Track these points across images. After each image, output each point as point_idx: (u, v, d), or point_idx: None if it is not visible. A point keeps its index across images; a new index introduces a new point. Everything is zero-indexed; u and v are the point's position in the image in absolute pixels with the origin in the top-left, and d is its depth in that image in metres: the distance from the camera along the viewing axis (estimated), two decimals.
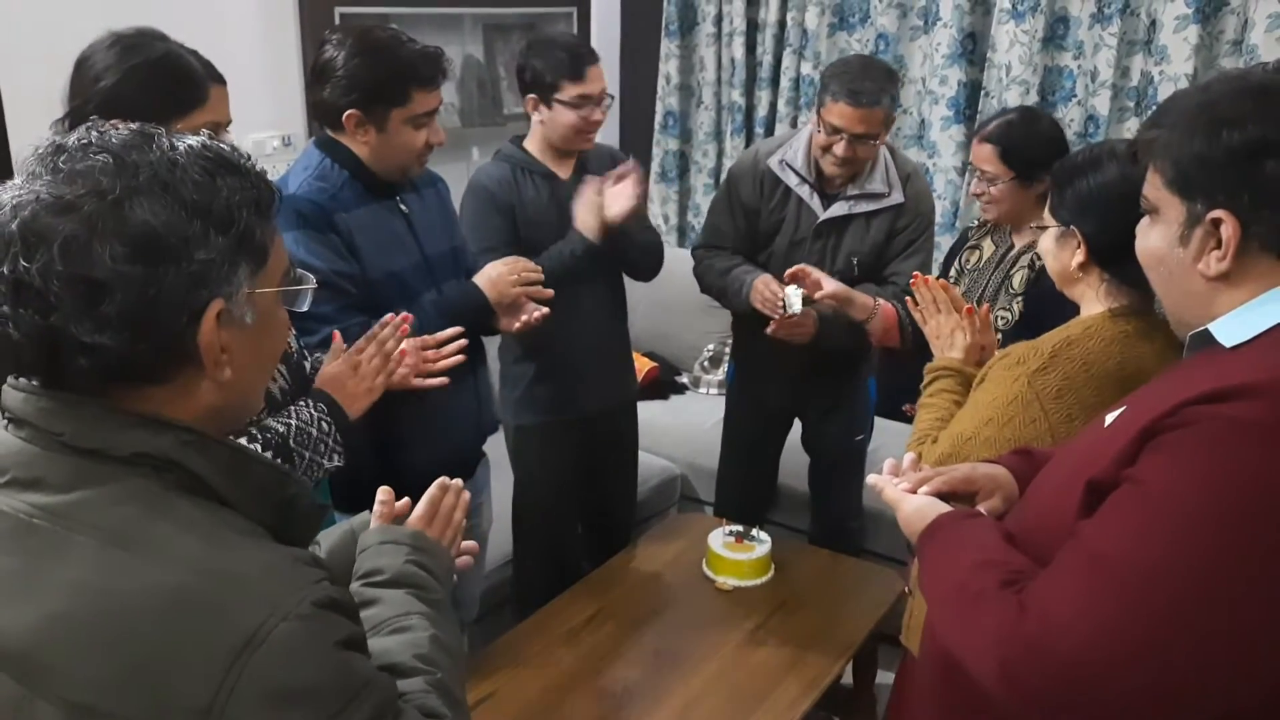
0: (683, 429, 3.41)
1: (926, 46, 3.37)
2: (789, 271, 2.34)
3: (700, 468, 3.31)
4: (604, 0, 3.87)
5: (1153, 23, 2.97)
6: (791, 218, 2.49)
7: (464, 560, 1.19)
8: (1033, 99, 3.16)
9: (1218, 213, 0.96)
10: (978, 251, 2.36)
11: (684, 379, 3.79)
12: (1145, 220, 1.06)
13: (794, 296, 2.31)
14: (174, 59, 1.55)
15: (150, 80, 1.51)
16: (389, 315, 1.73)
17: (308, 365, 1.71)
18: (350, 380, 1.66)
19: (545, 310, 2.09)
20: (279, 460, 1.48)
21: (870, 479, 1.32)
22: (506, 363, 2.51)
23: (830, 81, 2.33)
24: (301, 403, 1.59)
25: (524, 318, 2.07)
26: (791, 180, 2.47)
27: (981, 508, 1.23)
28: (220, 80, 1.59)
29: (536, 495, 2.59)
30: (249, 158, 0.85)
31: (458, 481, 1.21)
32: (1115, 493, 0.94)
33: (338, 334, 1.73)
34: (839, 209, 2.45)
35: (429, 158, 1.96)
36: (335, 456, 1.58)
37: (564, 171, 2.42)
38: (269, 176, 0.87)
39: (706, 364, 3.78)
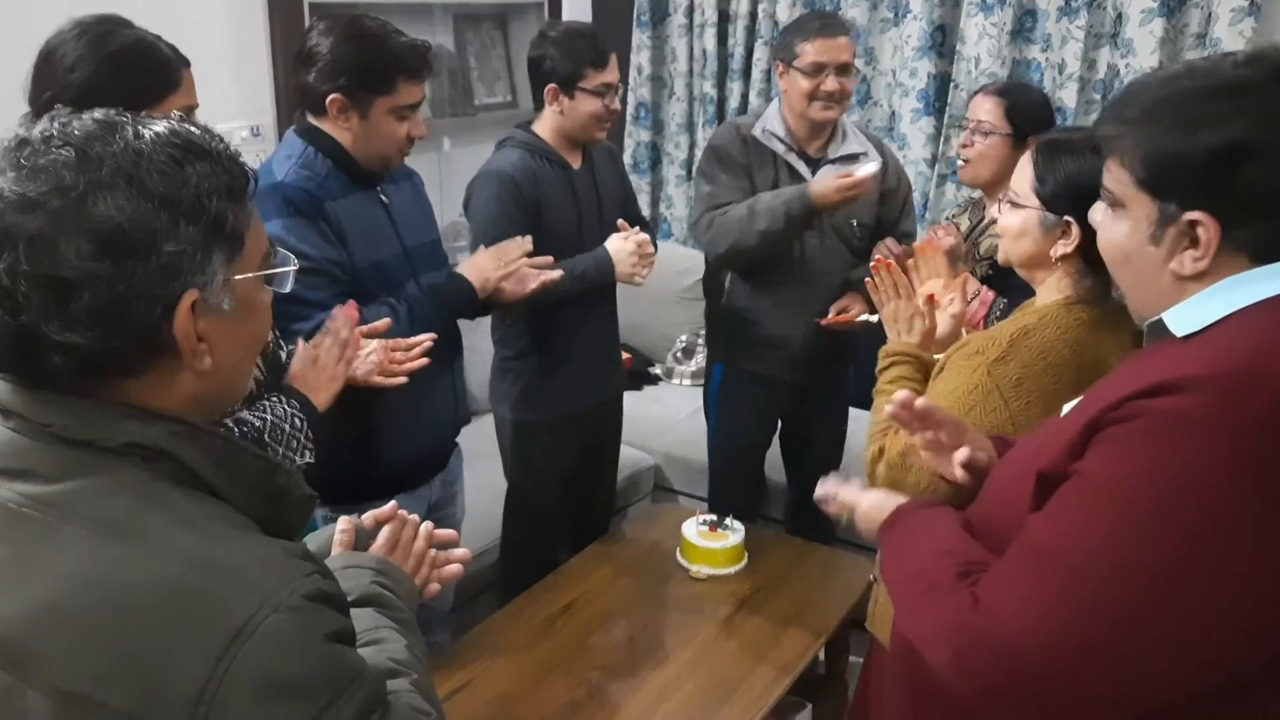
0: (656, 420, 3.43)
1: (896, 39, 3.39)
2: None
3: (674, 458, 3.33)
4: None
5: (1119, 16, 3.01)
6: (785, 186, 2.47)
7: (432, 588, 1.17)
8: None
9: (1196, 214, 0.94)
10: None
11: (657, 370, 3.80)
12: (1106, 212, 1.05)
13: (867, 165, 2.34)
14: (145, 45, 1.53)
15: (124, 69, 1.49)
16: (337, 307, 1.72)
17: (284, 355, 1.70)
18: (311, 373, 1.65)
19: (558, 274, 2.10)
20: None
21: (818, 493, 1.34)
22: (506, 357, 2.49)
23: (795, 32, 2.47)
24: (275, 398, 1.58)
25: (540, 280, 2.07)
26: (778, 147, 2.49)
27: (961, 463, 1.22)
28: (187, 64, 1.58)
29: (535, 490, 2.57)
30: (220, 140, 0.83)
31: (414, 516, 1.20)
32: (1063, 485, 0.96)
33: (352, 309, 1.72)
34: (829, 172, 2.44)
35: (410, 151, 1.95)
36: (307, 453, 1.58)
37: (574, 161, 2.42)
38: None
39: (680, 355, 3.79)
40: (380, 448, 1.88)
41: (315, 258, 1.79)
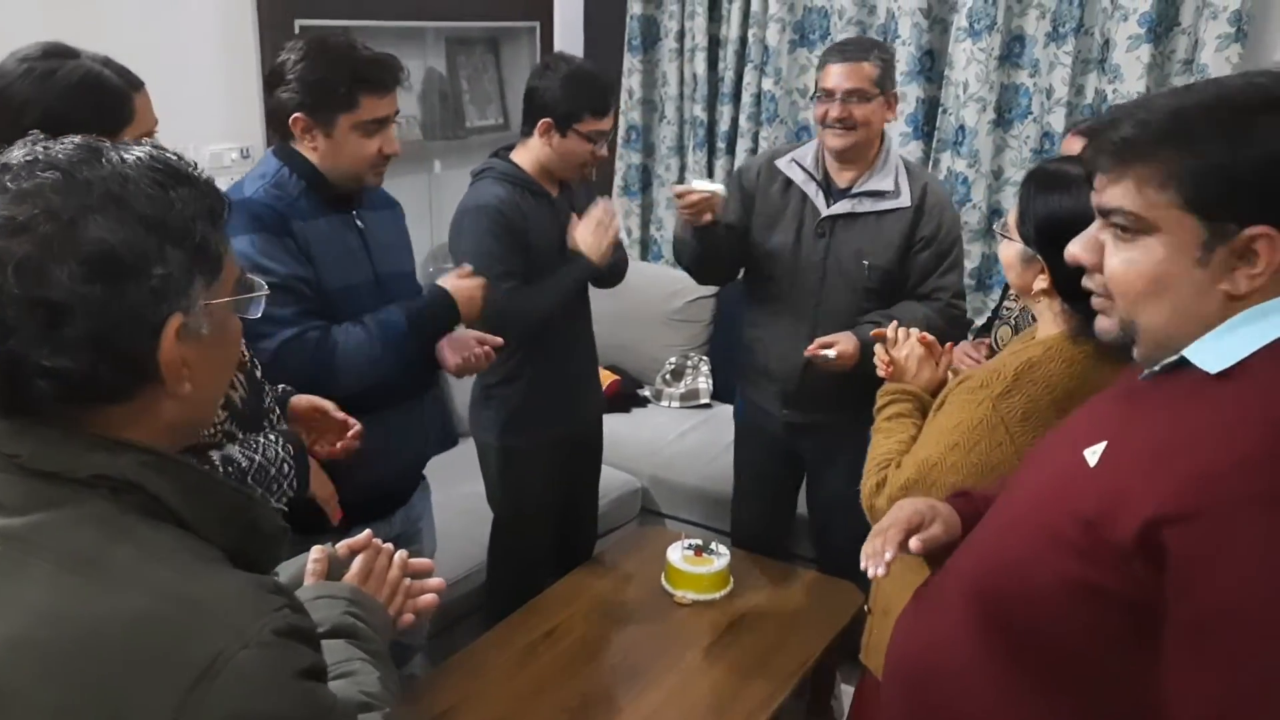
0: (645, 442, 3.41)
1: None
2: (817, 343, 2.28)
3: (662, 481, 3.31)
4: (567, 16, 3.88)
5: (1106, 42, 3.02)
6: (793, 214, 2.43)
7: (406, 618, 1.15)
8: (990, 116, 3.20)
9: (1257, 229, 0.90)
10: None
11: (646, 392, 3.79)
12: (1117, 243, 0.98)
13: (706, 183, 2.33)
14: (92, 80, 1.46)
15: (73, 109, 1.42)
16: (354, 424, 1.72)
17: (258, 372, 1.68)
18: (321, 420, 1.68)
19: (490, 351, 2.06)
20: None
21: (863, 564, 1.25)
22: (489, 384, 2.46)
23: (823, 56, 2.42)
24: (271, 437, 1.56)
25: (475, 354, 2.03)
26: (797, 176, 2.44)
27: (917, 540, 1.23)
28: (139, 85, 1.52)
29: (521, 517, 2.55)
30: (196, 166, 0.84)
31: (389, 545, 1.18)
32: (1189, 634, 0.89)
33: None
34: (843, 206, 2.40)
35: (385, 170, 1.93)
36: (284, 499, 1.56)
37: (552, 189, 2.42)
38: (223, 187, 0.86)
39: (669, 377, 3.78)
40: (340, 480, 1.77)
41: (280, 273, 1.77)
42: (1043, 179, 1.46)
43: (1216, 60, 2.81)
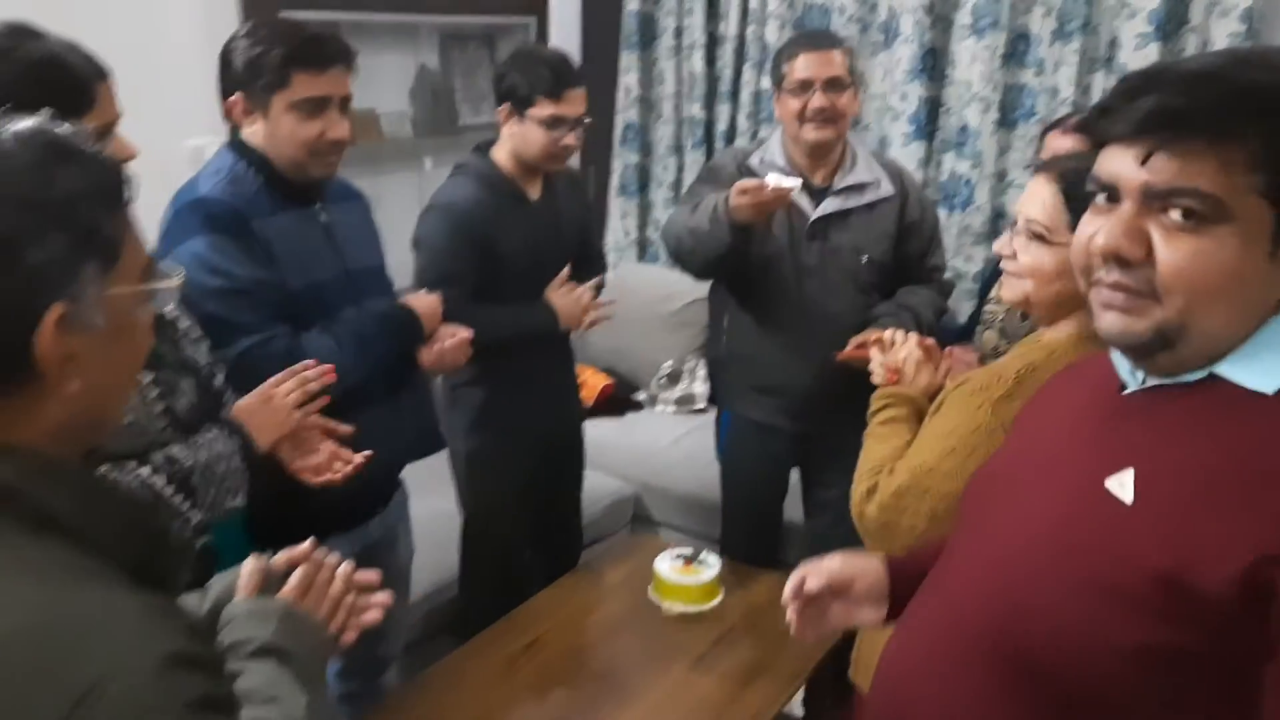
0: (637, 448, 3.33)
1: (887, 62, 3.33)
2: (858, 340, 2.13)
3: (654, 488, 3.23)
4: (563, 12, 3.81)
5: (1113, 40, 2.95)
6: (780, 219, 2.31)
7: (348, 636, 1.07)
8: (994, 115, 3.12)
9: None
10: None
11: (640, 396, 3.71)
12: (1196, 232, 0.84)
13: (780, 177, 2.14)
14: (53, 63, 1.38)
15: (29, 92, 1.30)
16: (313, 360, 1.63)
17: (218, 380, 1.60)
18: (262, 411, 1.55)
19: (464, 341, 2.00)
20: (180, 495, 1.38)
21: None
22: (455, 385, 2.41)
23: (782, 51, 2.33)
24: (214, 430, 1.48)
25: (446, 345, 1.98)
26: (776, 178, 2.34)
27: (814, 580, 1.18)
28: (104, 74, 1.43)
29: (491, 521, 2.48)
30: (91, 141, 0.76)
31: (333, 556, 1.09)
32: None
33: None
34: (831, 204, 2.31)
35: (338, 160, 1.82)
36: (240, 495, 1.48)
37: (534, 191, 2.34)
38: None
39: (664, 381, 3.70)
40: (311, 486, 1.67)
41: (240, 277, 1.69)
42: (1081, 172, 1.36)
43: None
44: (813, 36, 2.37)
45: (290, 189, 1.80)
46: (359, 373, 1.83)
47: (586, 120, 2.29)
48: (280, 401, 1.56)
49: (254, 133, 1.77)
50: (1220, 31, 2.74)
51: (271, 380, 1.58)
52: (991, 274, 2.41)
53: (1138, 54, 2.87)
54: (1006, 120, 3.17)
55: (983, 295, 2.36)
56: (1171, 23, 2.85)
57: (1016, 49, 3.12)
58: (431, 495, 2.43)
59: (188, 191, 1.76)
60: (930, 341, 1.70)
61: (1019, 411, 1.23)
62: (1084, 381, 1.07)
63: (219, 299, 1.67)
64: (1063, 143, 2.15)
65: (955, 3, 3.17)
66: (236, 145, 1.80)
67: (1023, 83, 3.14)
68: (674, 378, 3.70)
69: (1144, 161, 0.85)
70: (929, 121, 3.29)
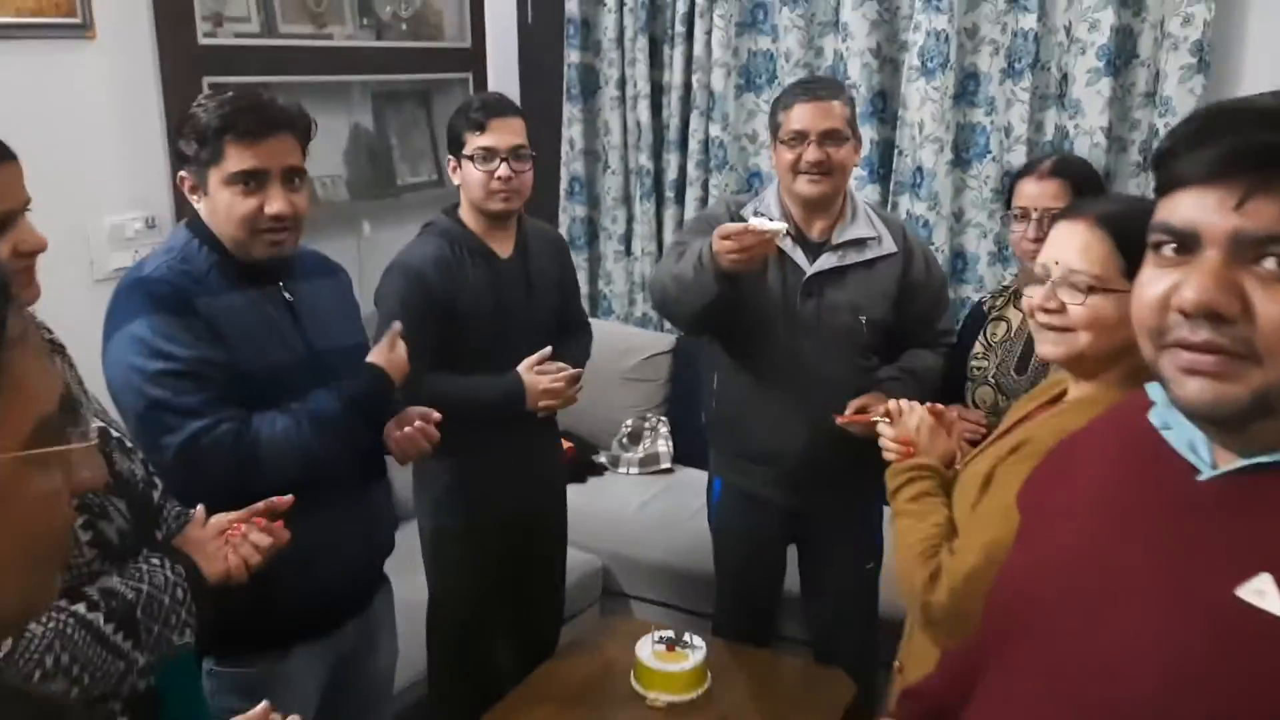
0: (604, 515, 3.17)
1: None
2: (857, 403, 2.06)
3: (625, 559, 3.07)
4: (501, 66, 3.70)
5: (1064, 76, 2.92)
6: (774, 275, 2.17)
7: None
8: (948, 157, 3.07)
9: None
10: (1004, 323, 2.17)
11: (602, 458, 3.56)
12: None
13: (764, 221, 2.00)
14: None
15: None
16: (277, 498, 1.48)
17: (156, 494, 1.42)
18: (211, 542, 1.40)
19: (430, 429, 1.85)
20: (122, 634, 1.21)
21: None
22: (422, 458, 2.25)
23: (781, 98, 2.21)
24: (155, 560, 1.31)
25: (408, 432, 1.83)
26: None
27: None
28: (9, 156, 1.27)
29: (457, 607, 2.32)
30: None
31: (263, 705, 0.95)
32: None
33: (200, 510, 1.45)
34: (828, 261, 2.17)
35: (285, 238, 1.67)
36: (187, 631, 1.31)
37: (504, 249, 2.22)
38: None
39: (625, 440, 3.56)
40: (275, 591, 1.53)
41: (183, 357, 1.56)
42: (1127, 215, 1.25)
43: (1180, 92, 2.72)
44: (811, 85, 2.23)
45: (245, 267, 1.67)
46: (324, 455, 1.67)
47: (527, 152, 2.20)
48: (237, 539, 1.41)
49: (202, 210, 1.66)
50: (1172, 64, 2.72)
51: (230, 517, 1.43)
52: (970, 323, 2.32)
53: (1089, 89, 2.84)
54: (961, 160, 3.12)
55: (968, 348, 2.25)
56: (1121, 57, 2.83)
57: (966, 88, 3.08)
58: (416, 578, 2.27)
59: (133, 272, 1.65)
60: (940, 407, 1.59)
61: (1024, 489, 1.11)
62: (1114, 461, 0.94)
63: (161, 382, 1.55)
64: (1039, 188, 2.06)
65: (902, 44, 3.13)
66: (193, 223, 1.69)
67: (974, 122, 3.10)
68: (635, 437, 3.56)
69: (1238, 205, 0.75)
70: (882, 164, 3.23)
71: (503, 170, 2.14)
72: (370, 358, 1.80)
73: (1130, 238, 1.20)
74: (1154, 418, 0.90)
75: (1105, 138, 2.83)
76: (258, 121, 1.61)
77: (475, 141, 2.14)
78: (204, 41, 2.69)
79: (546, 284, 2.31)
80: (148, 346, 1.56)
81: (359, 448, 1.77)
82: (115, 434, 1.38)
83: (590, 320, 3.39)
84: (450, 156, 2.22)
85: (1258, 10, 2.70)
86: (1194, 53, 2.68)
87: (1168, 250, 0.81)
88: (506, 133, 2.16)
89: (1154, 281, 0.82)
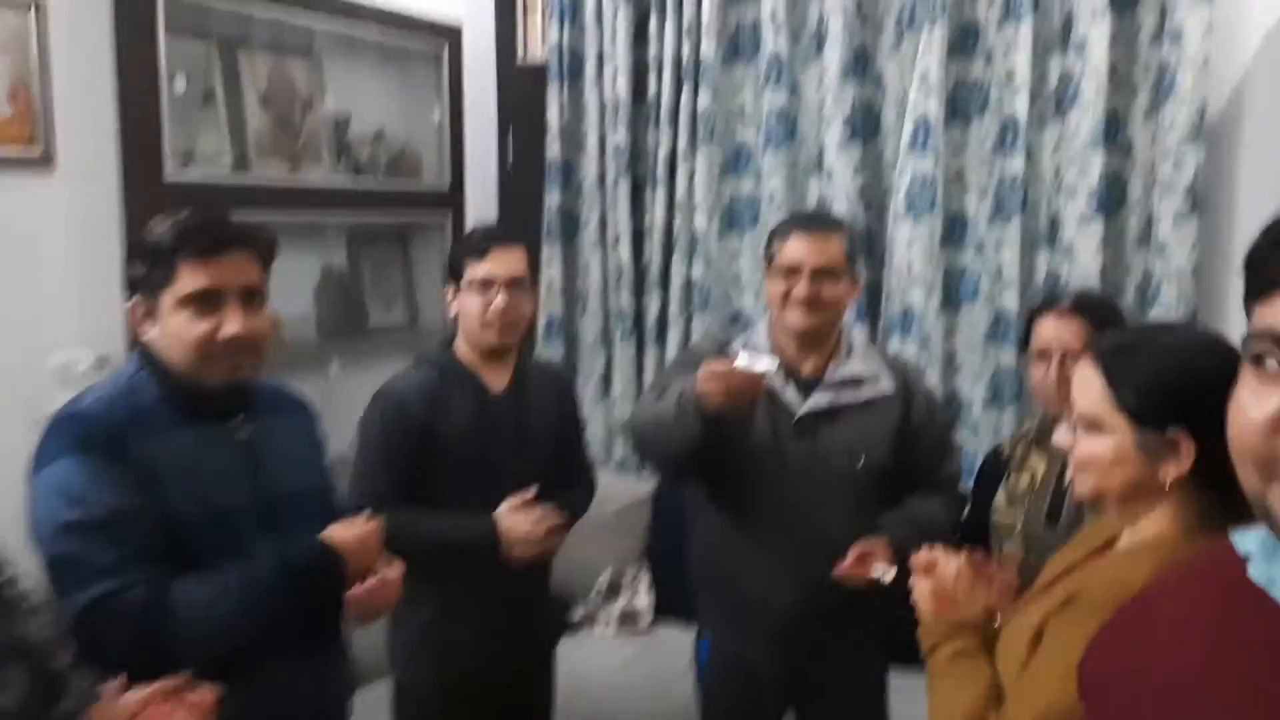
0: (581, 680, 2.90)
1: None
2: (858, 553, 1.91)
3: None
4: (479, 206, 3.66)
5: (1054, 219, 2.89)
6: (764, 414, 2.01)
7: None
8: (937, 298, 3.00)
9: None
10: (1028, 473, 1.98)
11: (577, 614, 3.32)
12: None
13: (751, 357, 1.87)
14: None
15: None
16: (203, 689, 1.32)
17: (64, 660, 1.24)
18: None
19: (387, 582, 1.66)
20: None
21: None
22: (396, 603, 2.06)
23: (779, 228, 2.11)
24: None
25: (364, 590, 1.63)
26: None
27: None
28: None
29: None
30: None
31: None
32: None
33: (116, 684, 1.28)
34: (821, 399, 2.03)
35: (243, 364, 1.55)
36: None
37: (497, 383, 2.11)
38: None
39: (603, 592, 3.34)
40: None
41: (101, 506, 1.41)
42: (1124, 346, 1.23)
43: (1176, 235, 2.67)
44: (809, 219, 2.18)
45: (197, 400, 1.53)
46: (250, 629, 1.50)
47: (527, 283, 2.14)
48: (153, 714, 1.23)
49: (154, 338, 1.54)
50: (1166, 208, 2.68)
51: (148, 695, 1.26)
52: (989, 471, 2.14)
53: (1082, 231, 2.80)
54: (950, 301, 3.06)
55: (979, 497, 2.09)
56: (1113, 200, 2.80)
57: (954, 231, 3.05)
58: None
59: (70, 405, 1.51)
60: (979, 556, 1.44)
61: (1089, 656, 0.95)
62: (1207, 629, 0.80)
63: (71, 535, 1.40)
64: (1059, 326, 1.94)
65: (887, 188, 3.10)
66: (144, 352, 1.56)
67: (964, 264, 3.05)
68: (614, 590, 3.35)
69: None
70: (870, 306, 3.16)
71: (499, 300, 2.05)
72: (334, 532, 1.62)
73: (1117, 362, 1.19)
74: (1255, 574, 0.75)
75: (1099, 281, 2.78)
76: (212, 239, 1.50)
77: (475, 269, 2.07)
78: (170, 180, 2.59)
79: (543, 424, 2.17)
80: (65, 493, 1.42)
81: (294, 624, 1.56)
82: (22, 590, 1.22)
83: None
84: (449, 286, 2.14)
85: (1248, 151, 2.68)
86: (1187, 197, 2.65)
87: (1274, 363, 0.69)
88: (507, 262, 2.08)
89: (1259, 400, 0.70)
